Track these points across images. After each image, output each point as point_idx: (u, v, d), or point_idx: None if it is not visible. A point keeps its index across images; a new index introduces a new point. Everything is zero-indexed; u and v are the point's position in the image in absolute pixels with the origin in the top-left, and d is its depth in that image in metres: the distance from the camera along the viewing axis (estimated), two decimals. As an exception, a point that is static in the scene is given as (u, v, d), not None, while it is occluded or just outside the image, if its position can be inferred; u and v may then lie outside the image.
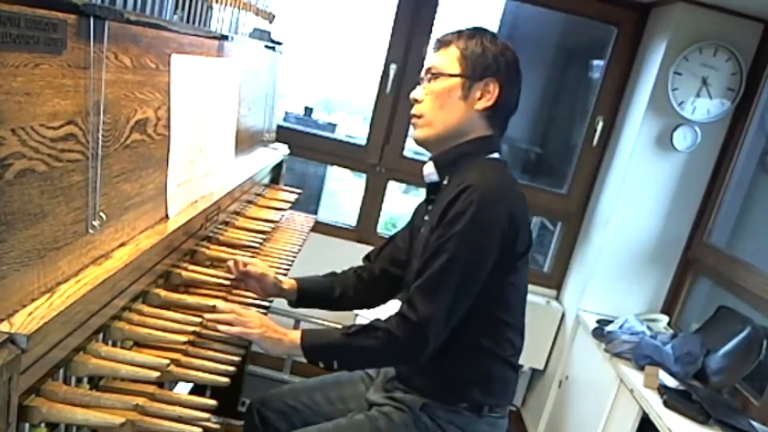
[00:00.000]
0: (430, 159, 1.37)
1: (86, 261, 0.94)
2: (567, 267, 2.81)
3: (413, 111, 1.35)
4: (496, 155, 1.33)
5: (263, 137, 2.09)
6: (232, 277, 1.37)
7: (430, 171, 1.36)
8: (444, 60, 1.31)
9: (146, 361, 0.98)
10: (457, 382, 1.30)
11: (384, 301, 1.57)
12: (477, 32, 1.31)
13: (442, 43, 1.33)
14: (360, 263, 1.58)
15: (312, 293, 1.50)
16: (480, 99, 1.29)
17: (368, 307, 1.64)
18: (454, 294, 1.20)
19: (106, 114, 0.96)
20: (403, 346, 1.21)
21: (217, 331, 1.16)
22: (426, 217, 1.37)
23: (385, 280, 1.50)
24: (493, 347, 1.30)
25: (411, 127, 1.39)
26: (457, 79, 1.29)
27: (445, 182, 1.34)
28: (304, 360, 1.26)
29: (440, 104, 1.30)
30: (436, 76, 1.31)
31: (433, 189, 1.38)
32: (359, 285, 1.52)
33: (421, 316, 1.19)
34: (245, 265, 1.39)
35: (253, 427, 1.47)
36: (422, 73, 1.35)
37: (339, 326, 1.29)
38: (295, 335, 1.27)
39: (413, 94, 1.35)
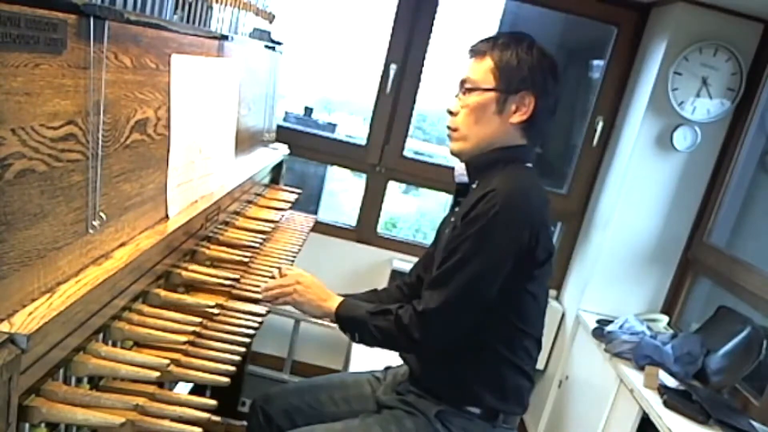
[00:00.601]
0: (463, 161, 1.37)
1: (86, 261, 0.94)
2: (567, 267, 2.81)
3: (448, 123, 1.34)
4: (528, 164, 1.32)
5: (263, 137, 2.09)
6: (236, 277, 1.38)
7: (461, 172, 1.37)
8: (478, 72, 1.29)
9: (146, 361, 0.98)
10: (471, 386, 1.30)
11: None
12: (513, 41, 1.29)
13: (476, 53, 1.31)
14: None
15: None
16: (515, 113, 1.28)
17: None
18: (462, 291, 1.20)
19: (106, 114, 0.96)
20: (408, 334, 1.24)
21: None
22: (452, 219, 1.38)
23: (420, 287, 1.50)
24: (508, 354, 1.29)
25: (447, 139, 1.39)
26: (492, 93, 1.28)
27: (474, 186, 1.34)
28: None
29: (474, 119, 1.29)
30: (470, 89, 1.30)
31: (462, 191, 1.39)
32: (401, 297, 1.53)
33: (426, 306, 1.22)
34: (287, 269, 1.46)
35: (256, 424, 1.47)
36: (457, 85, 1.34)
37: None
38: (334, 303, 1.36)
39: (449, 106, 1.34)
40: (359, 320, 1.32)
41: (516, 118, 1.28)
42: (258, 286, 1.44)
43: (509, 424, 1.33)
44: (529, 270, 1.24)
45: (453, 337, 1.25)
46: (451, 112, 1.34)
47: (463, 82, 1.33)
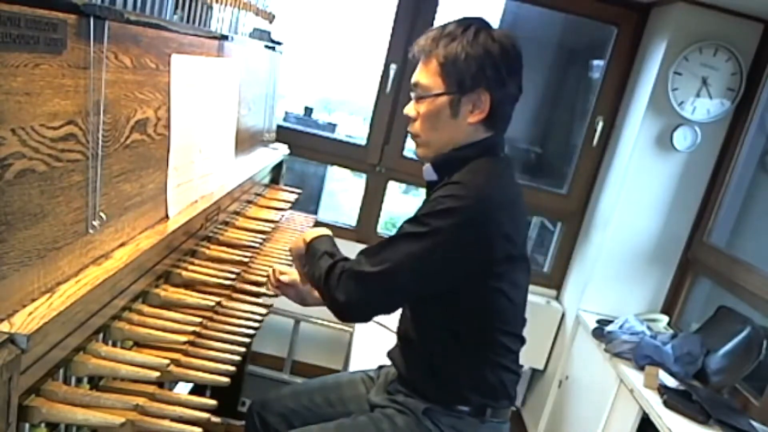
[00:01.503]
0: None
1: (86, 261, 0.94)
2: (567, 267, 2.81)
3: (408, 129, 1.30)
4: (498, 155, 1.28)
5: (263, 137, 2.09)
6: (230, 275, 1.38)
7: (429, 170, 1.32)
8: (426, 76, 1.23)
9: (146, 361, 0.98)
10: (456, 387, 1.28)
11: None
12: (459, 31, 1.20)
13: (422, 52, 1.23)
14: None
15: None
16: (472, 113, 1.21)
17: None
18: (394, 267, 1.15)
19: (106, 114, 0.96)
20: (334, 283, 1.20)
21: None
22: None
23: None
24: (488, 353, 1.27)
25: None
26: (443, 98, 1.21)
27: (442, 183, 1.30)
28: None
29: (431, 126, 1.24)
30: (421, 97, 1.24)
31: (432, 186, 1.33)
32: None
33: (357, 267, 1.18)
34: (281, 273, 1.46)
35: (253, 429, 1.47)
36: (411, 86, 1.27)
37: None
38: (315, 234, 1.35)
39: (405, 110, 1.29)
40: (316, 254, 1.29)
41: (474, 119, 1.22)
42: (258, 285, 1.44)
43: (499, 418, 1.31)
44: (490, 268, 1.19)
45: (382, 309, 1.21)
46: (409, 117, 1.28)
47: (413, 86, 1.26)
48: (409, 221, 1.19)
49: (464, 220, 1.14)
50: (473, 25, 1.21)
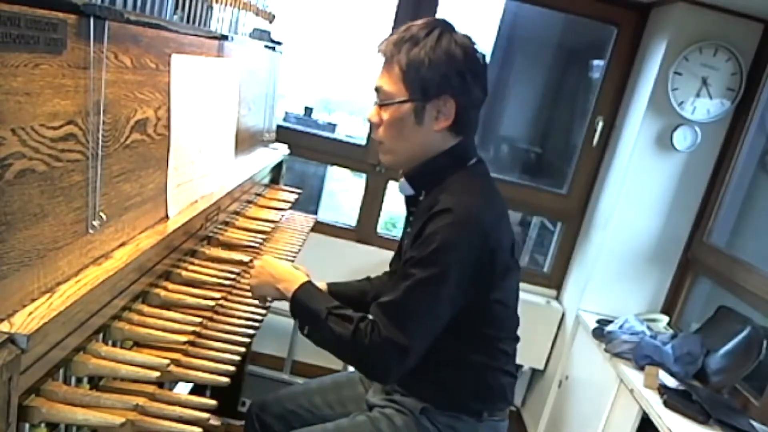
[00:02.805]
0: (403, 174, 1.30)
1: (86, 261, 0.94)
2: (567, 267, 2.81)
3: (372, 135, 1.27)
4: (472, 160, 1.26)
5: (263, 137, 2.09)
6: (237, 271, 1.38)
7: (404, 185, 1.30)
8: (388, 82, 1.20)
9: (146, 361, 0.98)
10: (455, 393, 1.29)
11: None
12: (422, 35, 1.17)
13: (384, 57, 1.21)
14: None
15: (342, 297, 1.36)
16: (437, 119, 1.19)
17: None
18: (419, 320, 1.14)
19: (106, 114, 0.96)
20: (365, 355, 1.16)
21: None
22: (408, 229, 1.33)
23: None
24: (487, 360, 1.28)
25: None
26: (407, 105, 1.19)
27: (421, 197, 1.28)
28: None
29: (396, 133, 1.22)
30: (384, 102, 1.21)
31: (411, 201, 1.33)
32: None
33: (390, 336, 1.13)
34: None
35: (252, 431, 1.47)
36: (374, 91, 1.24)
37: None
38: (293, 284, 1.25)
39: (368, 116, 1.25)
40: (315, 315, 1.20)
41: (439, 126, 1.20)
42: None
43: (498, 417, 1.32)
44: (491, 281, 1.19)
45: (414, 361, 1.18)
46: (371, 122, 1.25)
47: (376, 90, 1.23)
48: (415, 265, 1.14)
49: (468, 249, 1.13)
50: (437, 28, 1.18)
